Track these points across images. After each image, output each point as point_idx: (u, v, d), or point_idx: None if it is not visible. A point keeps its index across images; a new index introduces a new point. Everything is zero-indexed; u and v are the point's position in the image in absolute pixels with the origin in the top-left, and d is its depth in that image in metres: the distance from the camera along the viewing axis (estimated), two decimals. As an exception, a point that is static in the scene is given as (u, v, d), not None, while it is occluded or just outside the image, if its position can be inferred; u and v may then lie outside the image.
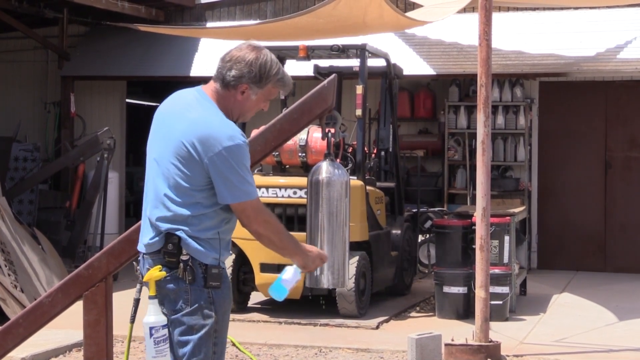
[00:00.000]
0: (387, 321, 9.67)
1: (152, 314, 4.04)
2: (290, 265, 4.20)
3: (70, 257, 11.88)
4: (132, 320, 4.38)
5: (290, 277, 4.18)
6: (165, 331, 4.05)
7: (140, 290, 4.37)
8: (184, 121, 4.00)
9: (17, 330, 4.87)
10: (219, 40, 13.18)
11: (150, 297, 4.05)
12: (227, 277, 4.11)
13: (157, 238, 4.03)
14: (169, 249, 3.98)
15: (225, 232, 4.07)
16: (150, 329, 4.04)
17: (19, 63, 15.60)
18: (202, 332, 3.97)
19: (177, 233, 3.97)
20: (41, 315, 4.84)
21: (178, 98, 4.16)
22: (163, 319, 4.05)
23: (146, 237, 4.09)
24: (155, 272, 4.00)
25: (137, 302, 4.43)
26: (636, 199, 13.42)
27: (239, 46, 4.13)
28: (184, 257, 3.96)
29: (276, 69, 4.10)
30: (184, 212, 3.98)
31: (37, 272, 10.26)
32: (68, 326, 7.60)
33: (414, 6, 12.95)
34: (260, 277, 9.57)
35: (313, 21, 11.10)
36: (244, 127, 9.39)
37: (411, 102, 14.03)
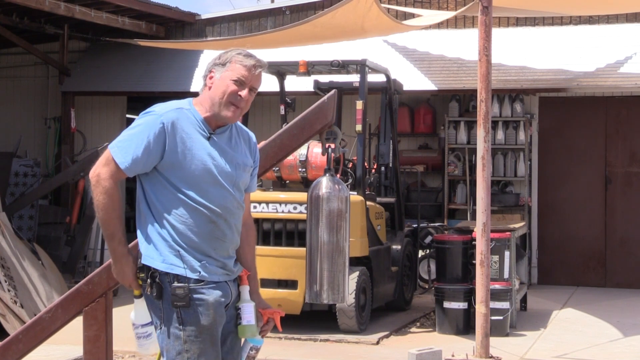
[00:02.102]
0: (387, 337, 9.65)
1: (135, 312, 4.10)
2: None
3: (70, 272, 11.87)
4: None
5: (244, 349, 4.14)
6: (147, 329, 4.05)
7: None
8: None
9: (16, 346, 4.85)
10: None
11: (135, 297, 4.06)
12: (210, 293, 3.92)
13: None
14: (139, 263, 3.97)
15: (182, 235, 3.89)
16: (133, 324, 4.13)
17: (19, 79, 15.63)
18: (172, 353, 3.89)
19: (140, 247, 3.97)
20: (41, 331, 4.83)
21: None
22: (145, 318, 4.05)
23: None
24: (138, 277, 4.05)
25: None
26: (636, 215, 13.41)
27: None
28: (153, 273, 3.90)
29: (240, 50, 4.04)
30: (139, 201, 4.01)
31: (37, 287, 10.25)
32: (68, 342, 7.58)
33: (414, 16, 13.01)
34: (260, 292, 9.53)
35: (311, 30, 11.15)
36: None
37: (411, 118, 14.04)
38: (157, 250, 3.91)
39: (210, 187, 3.94)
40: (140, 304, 4.05)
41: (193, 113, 3.99)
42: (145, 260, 3.93)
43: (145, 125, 3.91)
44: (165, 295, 3.88)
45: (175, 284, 3.86)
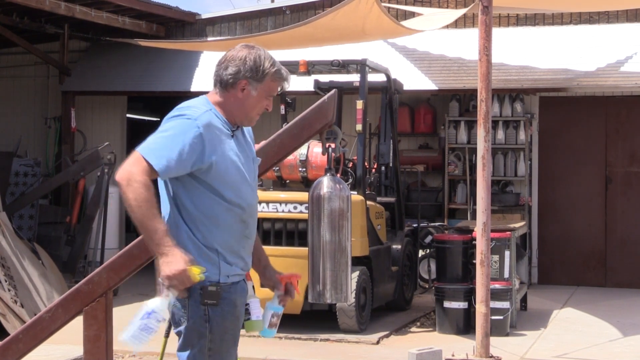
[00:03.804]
0: (387, 336, 9.65)
1: (159, 303, 3.84)
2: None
3: (71, 272, 11.87)
4: (167, 335, 4.28)
5: (265, 317, 4.09)
6: (158, 326, 3.81)
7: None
8: None
9: (16, 345, 4.85)
10: (219, 55, 13.22)
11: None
12: (234, 293, 3.95)
13: None
14: None
15: (217, 239, 3.88)
16: (148, 313, 3.80)
17: (20, 78, 15.63)
18: (195, 350, 3.89)
19: None
20: (41, 330, 4.83)
21: None
22: (163, 315, 3.86)
23: None
24: (193, 271, 3.79)
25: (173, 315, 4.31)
26: (637, 214, 13.41)
27: (232, 48, 4.11)
28: None
29: (271, 61, 3.99)
30: (167, 209, 3.93)
31: (37, 287, 10.25)
32: (68, 342, 7.58)
33: (414, 15, 13.00)
34: (259, 292, 9.52)
35: (311, 32, 11.14)
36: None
37: (411, 117, 14.04)
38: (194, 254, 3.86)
39: (242, 185, 3.94)
40: (170, 299, 3.86)
41: (216, 113, 3.95)
42: None
43: (180, 128, 3.82)
44: (193, 294, 3.85)
45: (208, 282, 3.84)
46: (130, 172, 3.72)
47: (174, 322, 3.97)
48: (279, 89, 4.06)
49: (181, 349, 3.93)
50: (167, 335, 4.20)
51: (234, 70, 3.97)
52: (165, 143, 3.79)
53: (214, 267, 3.88)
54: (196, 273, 3.74)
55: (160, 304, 3.80)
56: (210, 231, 3.89)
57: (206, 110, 3.92)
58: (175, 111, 3.91)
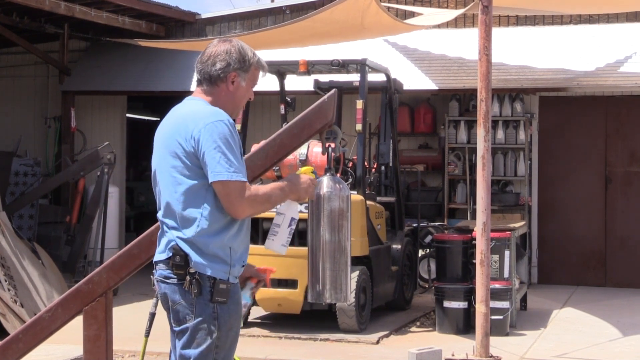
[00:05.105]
0: (387, 336, 9.65)
1: (288, 206, 4.30)
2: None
3: (71, 271, 11.87)
4: (147, 334, 4.29)
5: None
6: (293, 227, 4.29)
7: (156, 305, 4.30)
8: (175, 120, 4.04)
9: (16, 345, 4.85)
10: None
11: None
12: (237, 292, 4.03)
13: (166, 248, 4.00)
14: (176, 261, 3.92)
15: (235, 240, 3.97)
16: (292, 219, 4.33)
17: (19, 78, 15.63)
18: (203, 347, 3.91)
19: (184, 249, 3.92)
20: (41, 330, 4.82)
21: (171, 111, 4.17)
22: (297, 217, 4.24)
23: (159, 246, 4.07)
24: (305, 169, 4.19)
25: (152, 316, 4.33)
26: (636, 214, 13.41)
27: (210, 45, 4.16)
28: (191, 270, 3.89)
29: (252, 50, 4.14)
30: (190, 213, 3.92)
31: (37, 287, 10.25)
32: (68, 341, 7.58)
33: (414, 14, 13.00)
34: (260, 292, 9.53)
35: (311, 25, 11.13)
36: (244, 140, 9.45)
37: (411, 117, 14.04)
38: (204, 255, 3.91)
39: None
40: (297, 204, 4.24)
41: None
42: (196, 267, 3.90)
43: (231, 137, 3.91)
44: (203, 292, 3.90)
45: (219, 279, 3.92)
46: (242, 197, 3.92)
47: (177, 319, 3.97)
48: (260, 77, 4.19)
49: (186, 346, 3.95)
50: (147, 334, 4.21)
51: (223, 65, 4.06)
52: (234, 159, 3.90)
53: (226, 267, 3.94)
54: (309, 173, 4.25)
55: (291, 207, 4.31)
56: (231, 230, 3.96)
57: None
58: (215, 113, 3.94)
